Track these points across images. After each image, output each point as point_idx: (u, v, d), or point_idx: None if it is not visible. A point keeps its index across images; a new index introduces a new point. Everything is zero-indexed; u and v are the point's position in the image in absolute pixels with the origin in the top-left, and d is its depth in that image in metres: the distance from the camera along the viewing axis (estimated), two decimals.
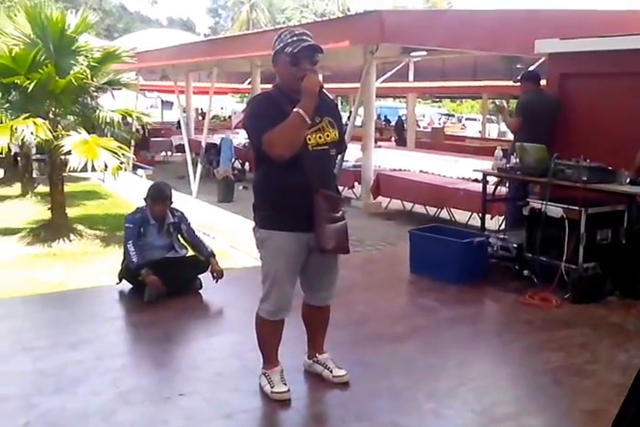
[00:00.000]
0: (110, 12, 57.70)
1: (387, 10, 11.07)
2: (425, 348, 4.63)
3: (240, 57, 14.06)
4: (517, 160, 6.58)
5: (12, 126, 8.79)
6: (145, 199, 5.97)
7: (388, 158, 15.89)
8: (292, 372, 3.94)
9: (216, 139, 17.68)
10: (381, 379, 4.08)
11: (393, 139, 26.97)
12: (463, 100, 45.40)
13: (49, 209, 10.41)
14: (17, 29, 9.84)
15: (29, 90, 9.04)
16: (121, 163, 9.26)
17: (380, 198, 12.12)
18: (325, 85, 3.57)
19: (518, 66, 13.83)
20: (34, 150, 13.98)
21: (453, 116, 47.62)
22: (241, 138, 18.14)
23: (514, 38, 10.36)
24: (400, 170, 14.03)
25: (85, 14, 10.13)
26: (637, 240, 5.75)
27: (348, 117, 12.45)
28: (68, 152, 9.07)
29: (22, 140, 9.09)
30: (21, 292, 6.83)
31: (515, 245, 6.27)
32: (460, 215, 10.40)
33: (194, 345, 4.80)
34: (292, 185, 3.50)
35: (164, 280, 5.50)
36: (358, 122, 14.80)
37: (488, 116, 28.40)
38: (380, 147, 17.81)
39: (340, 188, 12.13)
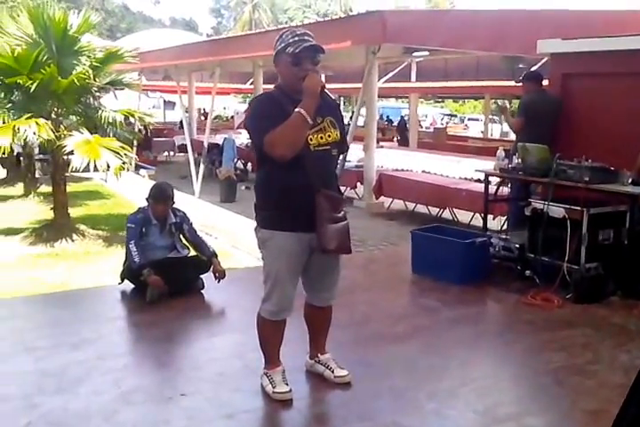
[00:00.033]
0: (113, 12, 57.76)
1: (388, 10, 11.05)
2: (427, 348, 4.63)
3: (242, 57, 14.06)
4: (519, 160, 6.57)
5: (14, 126, 8.81)
6: (147, 199, 5.97)
7: (390, 158, 15.91)
8: (293, 372, 3.94)
9: (218, 139, 17.70)
10: (383, 379, 4.08)
11: (395, 139, 26.98)
12: (466, 100, 45.34)
13: (51, 209, 10.42)
14: (19, 29, 9.85)
15: (32, 90, 9.05)
16: (123, 163, 9.28)
17: (382, 198, 12.11)
18: (328, 85, 3.58)
19: (520, 66, 13.83)
20: (36, 150, 14.01)
21: (456, 116, 47.60)
22: (243, 138, 18.16)
23: (516, 38, 10.35)
24: (402, 170, 14.04)
25: (88, 14, 10.14)
26: (639, 240, 5.75)
27: (351, 118, 12.46)
28: (71, 152, 9.08)
29: (25, 140, 9.11)
30: (24, 292, 6.84)
31: (517, 246, 6.26)
32: (463, 216, 10.39)
33: (196, 345, 4.80)
34: (294, 185, 3.50)
35: (166, 280, 5.51)
36: (360, 122, 14.81)
37: (490, 117, 28.36)
38: (382, 147, 17.83)
39: (343, 188, 12.14)
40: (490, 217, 7.52)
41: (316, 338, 4.06)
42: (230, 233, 10.11)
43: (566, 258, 5.68)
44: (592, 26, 9.75)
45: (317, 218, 3.50)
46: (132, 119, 11.28)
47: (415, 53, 13.17)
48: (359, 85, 12.09)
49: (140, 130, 15.58)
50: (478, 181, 10.04)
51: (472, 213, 9.86)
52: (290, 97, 3.48)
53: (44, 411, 3.62)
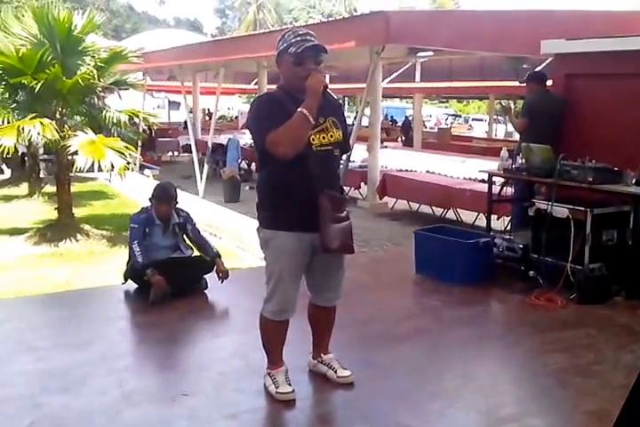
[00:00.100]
0: (118, 12, 57.77)
1: (392, 10, 11.06)
2: (430, 348, 4.63)
3: (247, 57, 14.09)
4: (523, 161, 6.56)
5: (19, 126, 8.84)
6: (150, 199, 5.98)
7: (394, 159, 15.89)
8: (296, 372, 3.94)
9: (223, 139, 17.71)
10: (386, 379, 4.08)
11: (399, 139, 26.97)
12: (470, 100, 45.31)
13: (56, 209, 10.44)
14: (24, 30, 9.89)
15: (36, 90, 9.09)
16: (127, 163, 9.30)
17: (386, 199, 12.12)
18: (332, 86, 3.58)
19: (524, 66, 13.80)
20: (41, 150, 14.06)
21: (460, 116, 47.57)
22: (248, 138, 18.14)
23: (520, 39, 10.33)
24: (406, 170, 14.02)
25: (92, 15, 10.19)
26: None
27: (355, 118, 12.45)
28: (75, 152, 9.11)
29: (29, 140, 9.14)
30: (28, 291, 6.86)
31: (520, 246, 6.25)
32: (467, 216, 10.38)
33: (198, 345, 4.80)
34: (296, 185, 3.50)
35: (170, 280, 5.51)
36: (365, 122, 14.80)
37: (495, 117, 28.30)
38: (386, 147, 17.80)
39: (347, 188, 12.23)
40: (494, 217, 7.51)
41: (320, 338, 4.06)
42: (234, 233, 10.12)
43: (570, 258, 5.67)
44: (597, 26, 9.74)
45: (320, 218, 3.50)
46: (136, 119, 11.29)
47: (419, 54, 13.16)
48: (363, 85, 12.09)
49: (144, 130, 15.61)
50: (482, 181, 10.02)
51: (476, 214, 9.85)
52: (292, 97, 3.48)
53: (47, 411, 3.63)
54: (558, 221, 5.81)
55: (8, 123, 9.17)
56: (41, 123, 8.94)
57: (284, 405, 3.71)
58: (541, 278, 5.90)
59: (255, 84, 22.30)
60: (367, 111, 12.79)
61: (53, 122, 9.30)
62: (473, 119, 44.13)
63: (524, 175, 6.57)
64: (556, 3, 22.04)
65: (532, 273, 6.01)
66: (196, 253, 6.14)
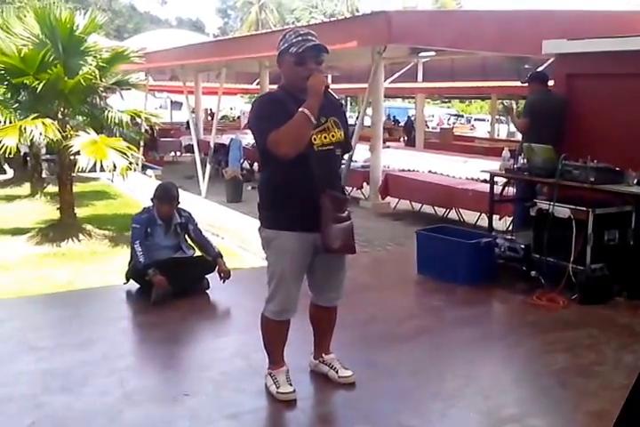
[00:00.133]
0: (120, 12, 57.78)
1: (394, 10, 11.04)
2: (431, 348, 4.62)
3: (249, 57, 14.09)
4: (525, 161, 6.56)
5: (21, 126, 8.84)
6: (152, 200, 5.98)
7: (396, 159, 15.89)
8: (297, 372, 3.94)
9: (225, 139, 17.72)
10: (387, 379, 4.08)
11: (402, 139, 26.96)
12: (472, 100, 45.28)
13: (58, 209, 10.44)
14: (26, 30, 9.88)
15: (38, 90, 9.08)
16: (130, 163, 9.29)
17: (388, 199, 12.11)
18: (334, 86, 3.58)
19: (526, 66, 13.81)
20: (43, 150, 14.05)
21: (462, 116, 47.53)
22: (250, 138, 18.14)
23: (522, 39, 10.32)
24: (409, 170, 14.02)
25: (94, 15, 10.18)
26: None
27: (357, 118, 12.45)
28: (77, 152, 9.10)
29: (31, 140, 9.16)
30: (29, 291, 6.87)
31: (522, 246, 6.25)
32: (469, 216, 10.38)
33: (200, 345, 4.80)
34: (298, 185, 3.50)
35: (171, 280, 5.51)
36: (367, 122, 14.80)
37: (497, 117, 28.30)
38: (388, 147, 17.81)
39: (349, 188, 12.25)
40: (496, 217, 7.51)
41: (321, 338, 4.06)
42: (236, 233, 10.12)
43: (572, 259, 5.67)
44: (599, 26, 9.73)
45: (322, 218, 3.50)
46: (138, 119, 11.29)
47: (421, 54, 13.15)
48: (365, 86, 12.09)
49: (146, 130, 15.60)
50: (485, 181, 10.00)
51: (478, 214, 9.85)
52: (293, 97, 3.48)
53: (49, 411, 3.63)
54: (560, 221, 5.80)
55: (10, 123, 9.17)
56: (43, 123, 8.94)
57: (285, 405, 3.71)
58: (543, 279, 5.89)
59: (257, 84, 22.31)
60: (369, 111, 12.80)
61: (55, 122, 9.30)
62: (475, 119, 44.09)
63: (525, 175, 6.57)
64: (557, 3, 22.01)
65: (533, 273, 6.02)
66: (198, 253, 6.14)
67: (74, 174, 10.35)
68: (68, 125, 9.86)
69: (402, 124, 30.98)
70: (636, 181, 5.74)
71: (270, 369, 3.85)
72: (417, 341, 4.77)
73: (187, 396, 3.81)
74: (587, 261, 5.64)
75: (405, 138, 26.84)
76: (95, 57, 10.16)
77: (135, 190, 14.49)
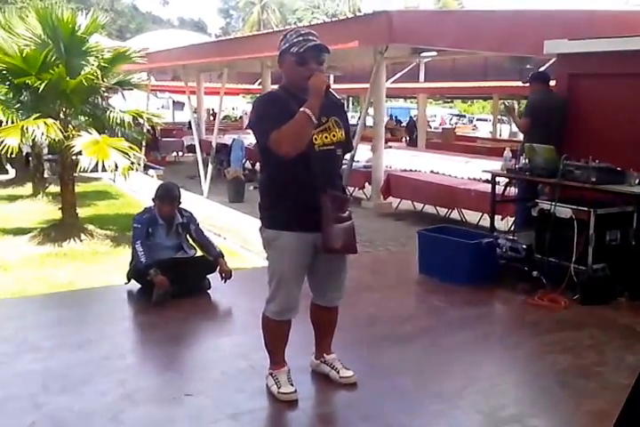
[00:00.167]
0: (122, 12, 57.87)
1: (395, 10, 11.00)
2: (433, 349, 4.62)
3: (251, 57, 14.08)
4: (526, 161, 6.56)
5: (23, 127, 8.85)
6: (153, 200, 5.98)
7: (398, 159, 15.90)
8: (298, 372, 3.94)
9: (227, 139, 17.72)
10: (389, 380, 4.08)
11: (404, 139, 26.95)
12: (474, 100, 45.26)
13: (60, 209, 10.44)
14: (28, 30, 9.88)
15: (40, 90, 9.09)
16: (132, 163, 9.30)
17: (390, 199, 12.10)
18: (335, 86, 3.58)
19: (528, 66, 13.79)
20: (45, 151, 14.07)
21: (464, 116, 47.51)
22: (252, 138, 18.11)
23: (524, 39, 10.31)
24: (410, 170, 14.02)
25: (96, 15, 10.17)
26: None
27: (359, 118, 12.45)
28: (79, 152, 9.10)
29: (33, 140, 9.16)
30: (31, 291, 6.87)
31: (524, 246, 6.24)
32: (471, 216, 10.37)
33: (200, 346, 4.81)
34: (299, 185, 3.50)
35: (173, 280, 5.51)
36: (369, 122, 14.79)
37: (499, 117, 28.28)
38: (390, 147, 17.80)
39: (351, 188, 12.25)
40: (498, 218, 7.50)
41: (322, 338, 4.06)
42: (238, 233, 10.12)
43: (573, 259, 5.67)
44: (601, 26, 9.73)
45: (323, 218, 3.50)
46: (140, 120, 11.28)
47: (423, 54, 13.14)
48: (367, 86, 12.08)
49: (148, 130, 15.62)
50: (487, 181, 10.00)
51: (480, 214, 9.84)
52: (294, 96, 3.48)
53: (49, 411, 3.63)
54: (562, 221, 5.80)
55: (12, 123, 9.17)
56: (45, 123, 8.94)
57: (286, 405, 3.71)
58: (545, 279, 5.88)
59: (259, 84, 22.29)
60: (371, 111, 12.79)
61: (57, 122, 9.30)
62: (477, 119, 44.07)
63: (527, 175, 6.57)
64: (559, 2, 21.99)
65: (535, 273, 6.00)
66: (199, 253, 6.14)
67: (76, 174, 10.36)
68: (70, 125, 9.86)
69: (404, 124, 30.97)
70: (637, 181, 5.73)
71: (271, 369, 3.86)
72: (418, 341, 4.76)
73: (188, 396, 3.81)
74: (588, 261, 5.64)
75: (407, 138, 26.82)
76: (97, 57, 10.15)
77: (137, 190, 14.50)
